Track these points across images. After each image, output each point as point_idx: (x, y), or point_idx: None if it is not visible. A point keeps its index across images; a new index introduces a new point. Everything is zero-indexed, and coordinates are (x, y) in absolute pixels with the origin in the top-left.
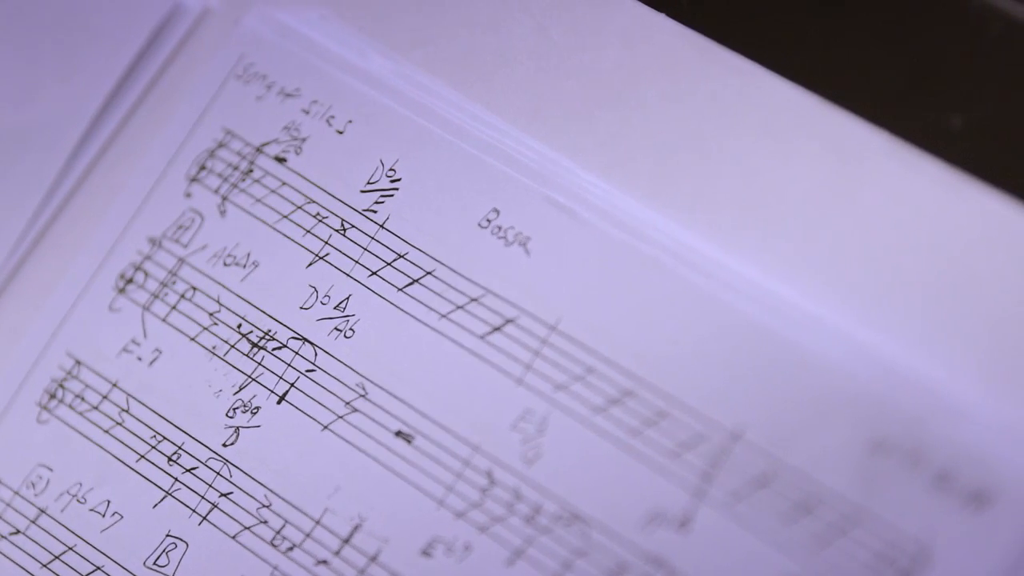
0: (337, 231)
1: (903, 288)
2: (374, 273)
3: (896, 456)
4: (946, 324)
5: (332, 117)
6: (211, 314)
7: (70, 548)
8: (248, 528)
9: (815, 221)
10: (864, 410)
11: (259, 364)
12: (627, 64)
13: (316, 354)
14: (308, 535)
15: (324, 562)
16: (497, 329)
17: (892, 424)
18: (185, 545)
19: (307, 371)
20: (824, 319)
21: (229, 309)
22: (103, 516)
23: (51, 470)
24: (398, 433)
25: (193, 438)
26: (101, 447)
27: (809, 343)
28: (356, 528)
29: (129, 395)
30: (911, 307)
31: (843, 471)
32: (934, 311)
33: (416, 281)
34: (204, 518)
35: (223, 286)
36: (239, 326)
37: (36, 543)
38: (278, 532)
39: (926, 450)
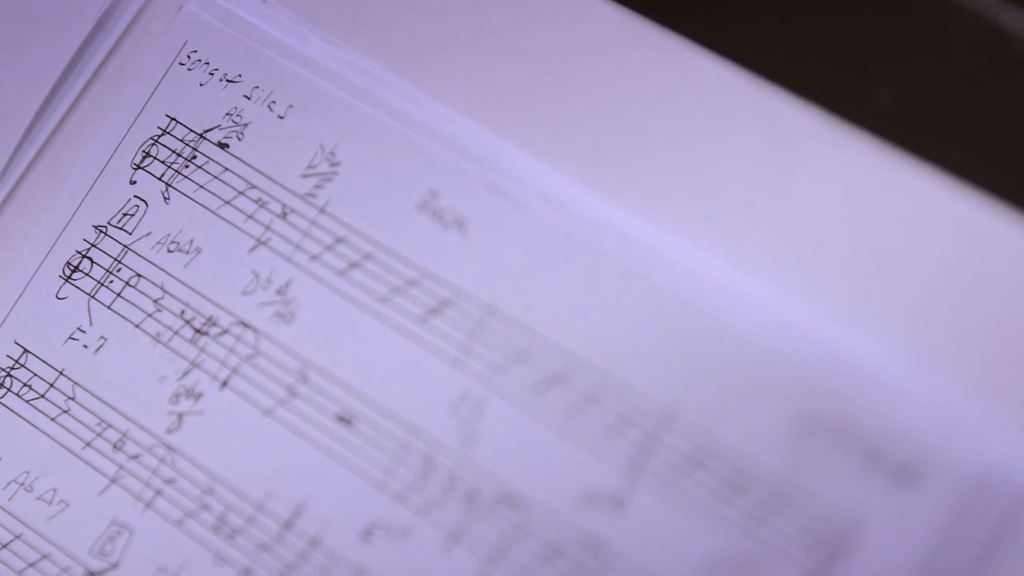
0: (278, 216)
1: (833, 265)
2: (314, 257)
3: (826, 434)
4: (876, 301)
5: (273, 102)
6: (155, 300)
7: (16, 537)
8: (191, 514)
9: (747, 200)
10: (795, 388)
11: (202, 350)
12: (564, 47)
13: (258, 339)
14: (250, 520)
15: (266, 547)
16: (434, 312)
17: (823, 402)
18: (129, 532)
19: (249, 357)
20: (756, 298)
21: (172, 296)
22: (49, 504)
23: None
24: (338, 418)
25: (137, 425)
26: (48, 435)
27: (741, 322)
28: (297, 513)
29: (75, 383)
30: (841, 285)
31: (774, 449)
32: (864, 288)
33: (355, 265)
34: (148, 505)
35: (167, 273)
36: (182, 312)
37: None
38: (221, 518)
39: (856, 428)
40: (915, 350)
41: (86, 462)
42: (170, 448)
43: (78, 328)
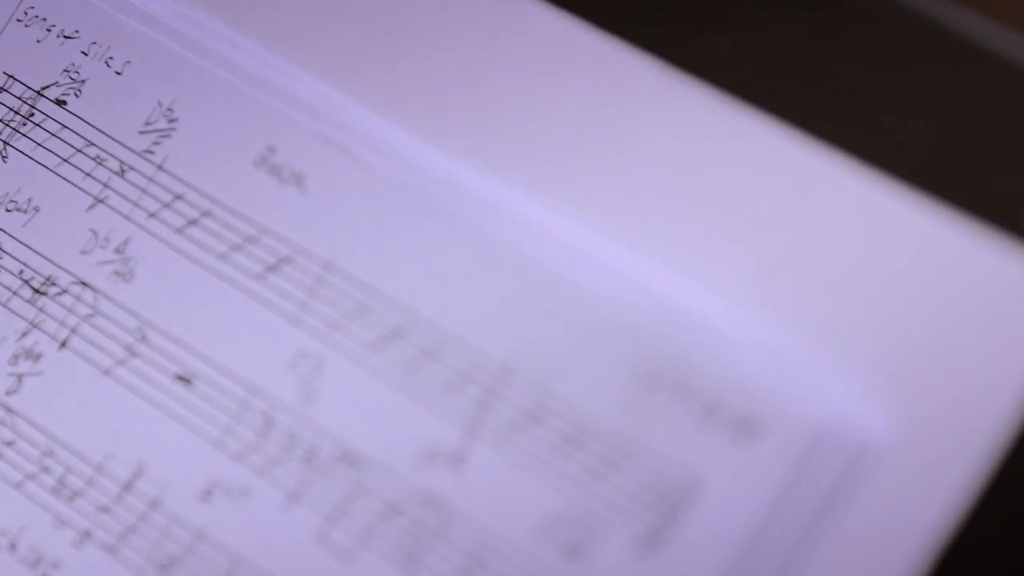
0: (116, 173)
1: (671, 217)
2: (152, 215)
3: (665, 388)
4: (715, 254)
5: (111, 58)
6: None
7: None
8: (31, 477)
9: (584, 151)
10: (633, 342)
11: (40, 310)
12: None
13: (96, 299)
14: (90, 482)
15: (105, 509)
16: (273, 268)
17: (661, 356)
18: None
19: (87, 316)
20: (594, 251)
21: (11, 255)
22: None
23: None
24: (177, 377)
25: None
26: None
27: (578, 275)
28: (137, 474)
29: None
30: (680, 237)
31: (613, 404)
32: (703, 240)
33: (193, 222)
34: None
35: (5, 232)
36: (21, 272)
37: None
38: (60, 480)
39: (695, 382)
40: (755, 303)
41: None
42: (9, 410)
43: None
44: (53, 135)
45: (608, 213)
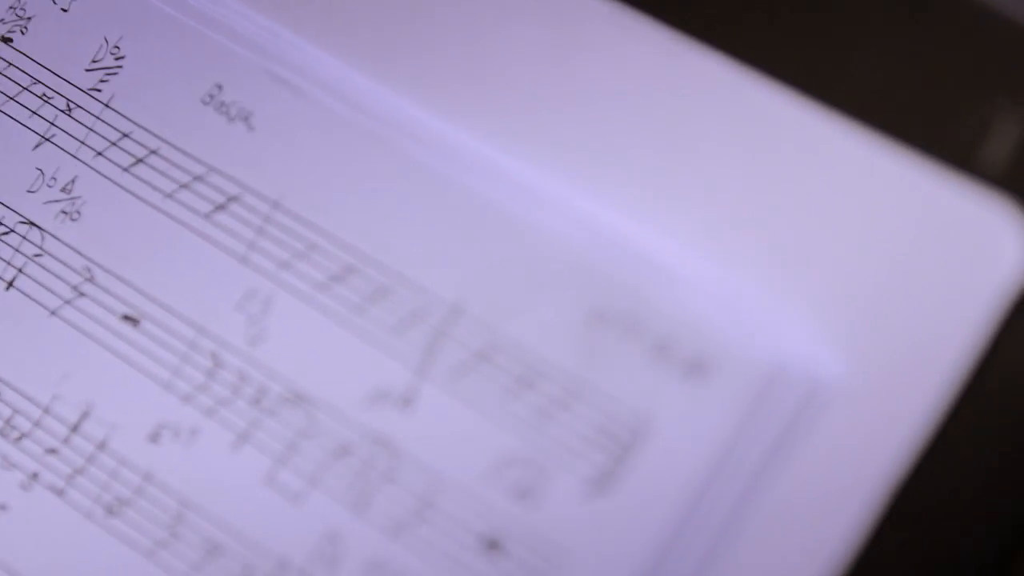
0: (63, 112)
1: (618, 153)
2: (99, 154)
3: (615, 327)
4: (662, 190)
5: None
6: None
7: None
8: None
9: (535, 90)
10: (583, 280)
11: None
12: None
13: (43, 238)
14: (37, 423)
15: (53, 450)
16: (221, 207)
17: (611, 294)
18: None
19: (34, 256)
20: (542, 188)
21: None
22: None
23: None
24: (124, 317)
25: None
26: None
27: (528, 213)
28: (84, 415)
29: None
30: (626, 173)
31: (563, 344)
32: (650, 178)
33: (141, 160)
34: None
35: None
36: None
37: None
38: (7, 421)
39: (645, 320)
40: (706, 242)
41: None
42: None
43: None
44: None
45: (557, 151)
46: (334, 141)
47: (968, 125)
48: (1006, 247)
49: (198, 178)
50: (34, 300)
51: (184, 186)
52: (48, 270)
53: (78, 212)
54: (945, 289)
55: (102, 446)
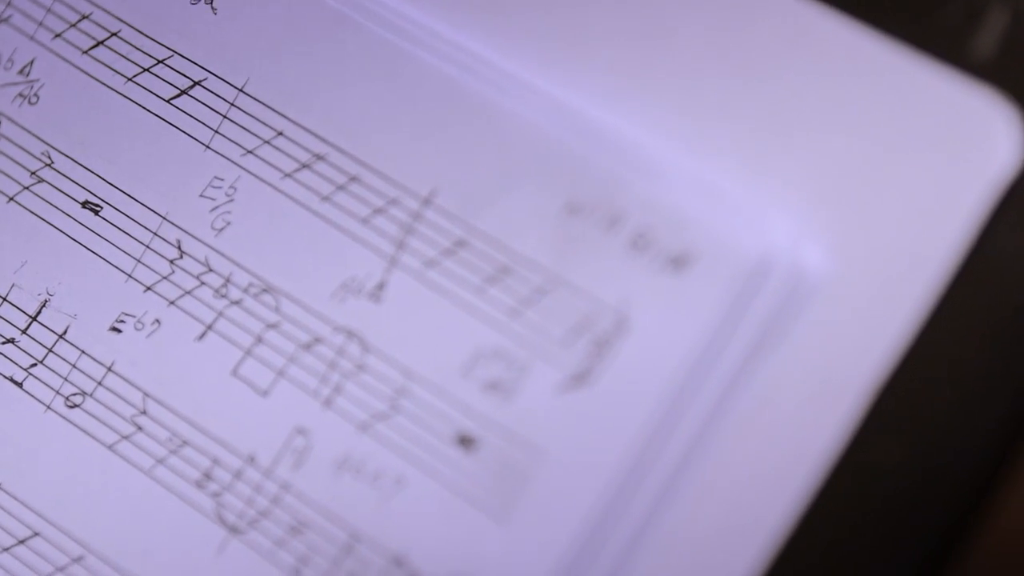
0: None
1: (596, 44)
2: (58, 35)
3: (592, 218)
4: (639, 80)
5: None
6: None
7: None
8: None
9: None
10: (558, 171)
11: None
12: None
13: (0, 122)
14: None
15: (11, 340)
16: (184, 92)
17: (587, 185)
18: None
19: None
20: (517, 76)
21: None
22: None
23: None
24: (84, 203)
25: None
26: None
27: (502, 101)
28: (44, 304)
29: None
30: (605, 63)
31: (538, 236)
32: (628, 67)
33: (101, 43)
34: None
35: None
36: None
37: None
38: None
39: (622, 211)
40: (685, 133)
41: None
42: None
43: None
44: None
45: (531, 38)
46: (300, 24)
47: (957, 12)
48: (995, 136)
49: (160, 62)
50: None
51: (146, 70)
52: (6, 155)
53: (36, 96)
54: (933, 180)
55: (62, 336)
